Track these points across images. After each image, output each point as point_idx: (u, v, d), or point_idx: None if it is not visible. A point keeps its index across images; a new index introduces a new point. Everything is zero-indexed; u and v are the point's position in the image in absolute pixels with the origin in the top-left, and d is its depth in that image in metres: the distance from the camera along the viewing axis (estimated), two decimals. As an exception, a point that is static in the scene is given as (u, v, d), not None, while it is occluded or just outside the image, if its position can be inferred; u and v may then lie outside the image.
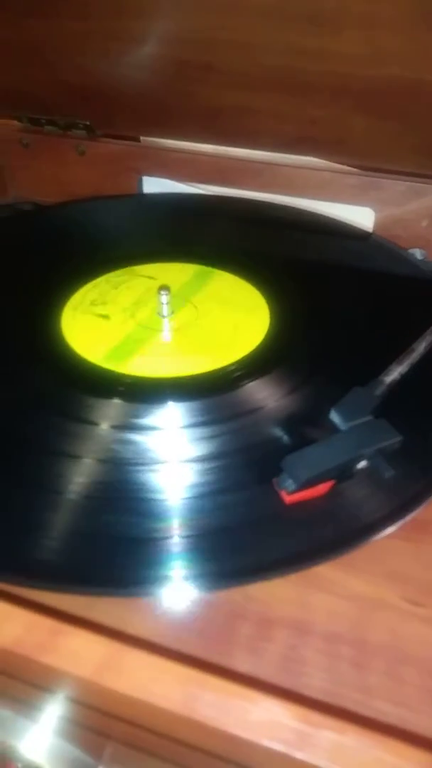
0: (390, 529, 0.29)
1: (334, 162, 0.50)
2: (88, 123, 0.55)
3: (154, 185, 0.57)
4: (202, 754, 0.21)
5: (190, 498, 0.30)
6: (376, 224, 0.51)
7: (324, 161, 0.51)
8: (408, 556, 0.30)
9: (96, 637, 0.20)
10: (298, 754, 0.18)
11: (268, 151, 0.50)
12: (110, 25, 0.42)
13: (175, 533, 0.29)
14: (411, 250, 0.48)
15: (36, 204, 0.56)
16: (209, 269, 0.44)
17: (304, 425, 0.33)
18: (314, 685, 0.26)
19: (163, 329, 0.40)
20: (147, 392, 0.35)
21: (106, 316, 0.41)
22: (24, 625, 0.21)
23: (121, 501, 0.30)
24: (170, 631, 0.27)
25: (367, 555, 0.29)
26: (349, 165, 0.50)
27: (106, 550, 0.28)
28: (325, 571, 0.29)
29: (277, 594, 0.28)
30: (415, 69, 0.37)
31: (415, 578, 0.29)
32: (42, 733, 0.28)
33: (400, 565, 0.30)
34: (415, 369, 0.34)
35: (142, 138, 0.55)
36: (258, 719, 0.19)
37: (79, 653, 0.20)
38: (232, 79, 0.43)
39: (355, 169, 0.50)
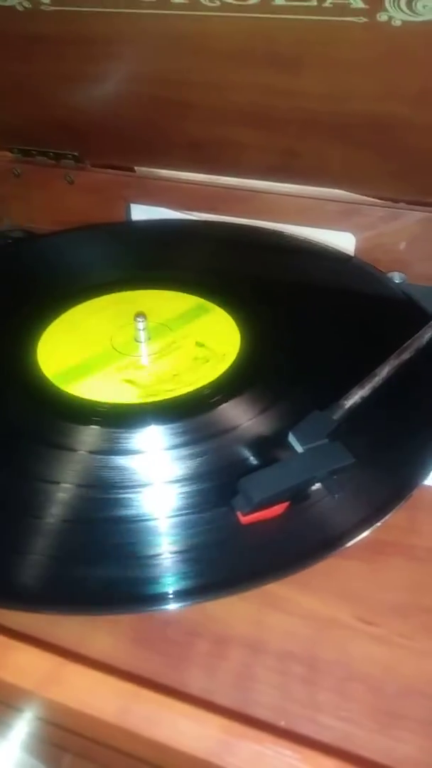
0: (344, 548, 0.30)
1: (315, 188, 0.52)
2: (75, 154, 0.58)
3: (142, 212, 0.60)
4: (145, 765, 0.23)
5: (153, 519, 0.32)
6: (357, 249, 0.53)
7: (306, 188, 0.53)
8: (363, 576, 0.31)
9: (42, 652, 0.22)
10: (217, 761, 0.19)
11: (251, 178, 0.52)
12: (87, 67, 0.45)
13: (137, 553, 0.30)
14: (390, 274, 0.50)
15: (27, 231, 0.58)
16: (204, 304, 0.46)
17: (265, 447, 0.34)
18: (263, 701, 0.27)
19: (130, 355, 0.42)
20: (126, 418, 0.36)
21: (82, 337, 0.43)
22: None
23: (85, 523, 0.32)
24: (130, 648, 0.28)
25: (323, 574, 0.31)
26: (329, 191, 0.52)
27: (69, 570, 0.30)
28: (282, 590, 0.30)
29: (235, 613, 0.30)
30: (379, 103, 0.39)
31: (369, 598, 0.30)
32: (8, 748, 0.30)
33: (355, 584, 0.31)
34: (377, 393, 0.36)
35: (128, 167, 0.58)
36: (184, 729, 0.20)
37: (24, 667, 0.22)
38: (208, 115, 0.45)
39: (336, 195, 0.52)
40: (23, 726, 0.29)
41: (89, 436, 0.35)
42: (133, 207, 0.60)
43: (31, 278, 0.50)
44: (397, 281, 0.49)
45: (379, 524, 0.31)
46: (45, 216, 0.60)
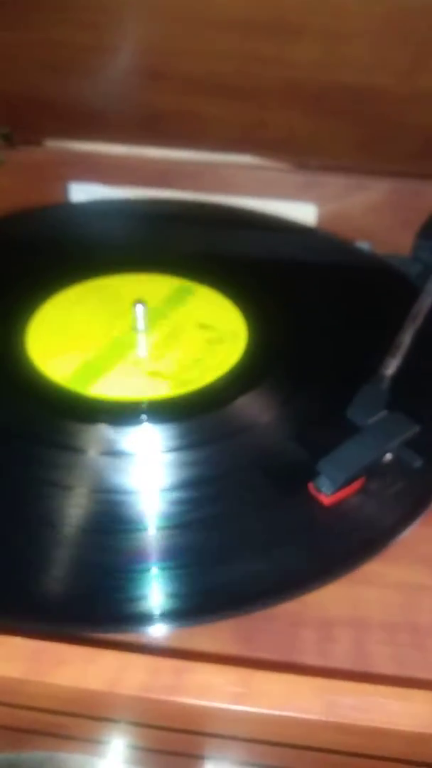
0: (421, 518, 0.32)
1: (276, 160, 0.52)
2: (7, 131, 0.54)
3: (83, 192, 0.57)
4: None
5: (222, 521, 0.31)
6: (320, 220, 0.54)
7: (264, 160, 0.53)
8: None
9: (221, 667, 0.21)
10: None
11: (209, 152, 0.52)
12: (52, 33, 0.42)
13: (223, 557, 0.30)
14: (358, 243, 0.52)
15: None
16: (188, 284, 0.45)
17: (311, 431, 0.35)
18: (386, 673, 0.28)
19: (137, 345, 0.41)
20: (123, 416, 0.35)
21: (74, 332, 0.41)
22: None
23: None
24: (241, 650, 0.28)
25: (400, 543, 0.32)
26: (290, 163, 0.52)
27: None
28: (367, 565, 0.31)
29: (329, 596, 0.30)
30: (369, 75, 0.41)
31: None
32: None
33: (427, 549, 0.33)
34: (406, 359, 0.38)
35: (68, 143, 0.55)
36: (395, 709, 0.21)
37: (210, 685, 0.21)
38: (179, 86, 0.44)
39: (296, 167, 0.53)
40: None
41: (152, 436, 0.34)
42: (74, 187, 0.56)
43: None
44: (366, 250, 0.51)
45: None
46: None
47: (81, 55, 0.43)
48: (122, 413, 0.35)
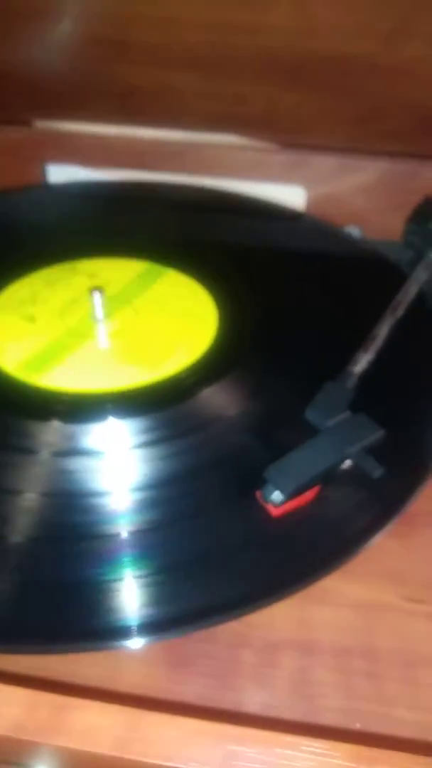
0: (385, 529, 0.29)
1: (260, 140, 0.49)
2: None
3: (61, 174, 0.54)
4: None
5: (158, 528, 0.29)
6: (308, 203, 0.51)
7: (248, 140, 0.50)
8: (400, 553, 0.30)
9: (104, 706, 0.19)
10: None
11: (189, 131, 0.49)
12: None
13: (154, 570, 0.27)
14: (347, 228, 0.49)
15: None
16: (157, 267, 0.42)
17: (276, 429, 0.32)
18: (331, 705, 0.25)
19: (96, 335, 0.38)
20: (87, 410, 0.33)
21: (31, 318, 0.39)
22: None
23: (78, 540, 0.28)
24: (169, 674, 0.26)
25: (360, 557, 0.29)
26: (276, 142, 0.49)
27: (85, 598, 0.26)
28: (321, 581, 0.28)
29: (276, 615, 0.27)
30: (349, 42, 0.37)
31: (412, 575, 0.29)
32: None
33: (393, 563, 0.30)
34: (381, 355, 0.35)
35: (43, 123, 0.52)
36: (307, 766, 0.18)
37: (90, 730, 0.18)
38: (151, 57, 0.41)
39: (281, 147, 0.50)
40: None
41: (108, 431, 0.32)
42: (52, 169, 0.54)
43: None
44: (356, 236, 0.48)
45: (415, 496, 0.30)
46: None
47: (32, 21, 0.41)
48: (70, 407, 0.33)
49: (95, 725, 0.18)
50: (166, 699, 0.24)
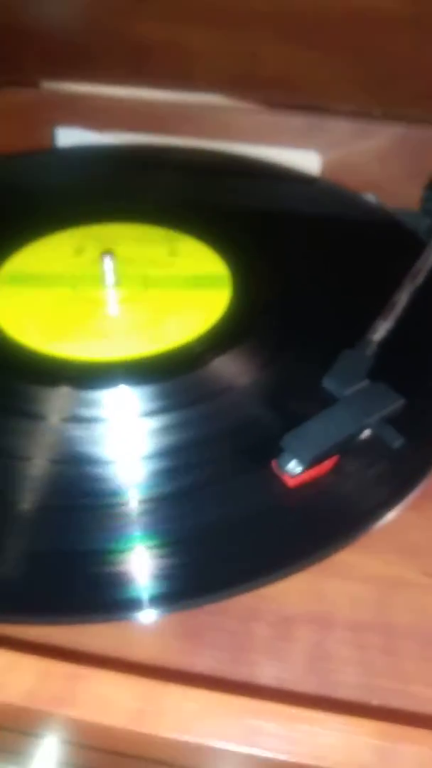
0: (404, 502, 0.28)
1: (274, 102, 0.47)
2: (-12, 69, 0.50)
3: (70, 137, 0.53)
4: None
5: (171, 498, 0.28)
6: (323, 168, 0.49)
7: (260, 103, 0.48)
8: (418, 526, 0.29)
9: (125, 677, 0.18)
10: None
11: (202, 92, 0.47)
12: None
13: (165, 541, 0.27)
14: (364, 195, 0.47)
15: None
16: (172, 234, 0.41)
17: (291, 399, 0.31)
18: (347, 681, 0.25)
19: (107, 302, 0.37)
20: (98, 378, 0.32)
21: (44, 287, 0.38)
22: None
23: (90, 509, 0.27)
24: (183, 646, 0.25)
25: (377, 531, 0.28)
26: (291, 106, 0.47)
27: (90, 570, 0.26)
28: (337, 554, 0.28)
29: (291, 588, 0.27)
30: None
31: (430, 549, 0.29)
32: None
33: (413, 537, 0.29)
34: (401, 323, 0.33)
35: (54, 84, 0.51)
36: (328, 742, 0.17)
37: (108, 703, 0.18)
38: (164, 12, 0.39)
39: (296, 110, 0.48)
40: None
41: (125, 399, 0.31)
42: (61, 132, 0.52)
43: None
44: (374, 202, 0.46)
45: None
46: None
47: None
48: (81, 374, 0.32)
49: (109, 697, 0.18)
50: (182, 670, 0.23)
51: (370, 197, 0.47)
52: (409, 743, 0.17)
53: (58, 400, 0.31)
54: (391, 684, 0.24)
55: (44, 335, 0.34)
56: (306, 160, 0.49)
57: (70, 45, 0.47)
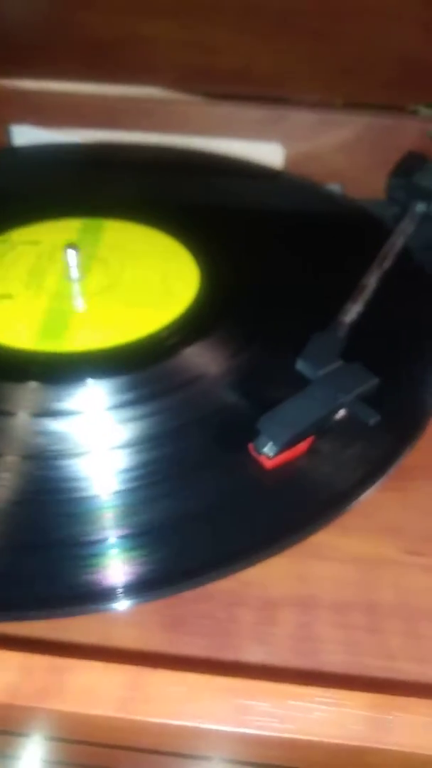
0: (381, 480, 0.28)
1: (234, 95, 0.47)
2: None
3: (25, 136, 0.52)
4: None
5: (146, 485, 0.27)
6: (287, 160, 0.50)
7: (221, 96, 0.48)
8: (397, 505, 0.30)
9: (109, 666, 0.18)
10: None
11: (160, 86, 0.47)
12: None
13: (140, 529, 0.26)
14: (329, 186, 0.47)
15: None
16: (96, 221, 0.40)
17: (266, 384, 0.31)
18: (334, 660, 0.25)
19: (76, 295, 0.37)
20: (67, 371, 0.31)
21: (8, 296, 0.37)
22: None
23: (65, 503, 0.27)
24: (166, 636, 0.25)
25: (354, 511, 0.28)
26: (251, 97, 0.47)
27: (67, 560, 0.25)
28: (316, 536, 0.28)
29: (272, 572, 0.27)
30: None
31: (410, 528, 0.29)
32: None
33: (390, 517, 0.29)
34: (369, 306, 0.34)
35: (7, 81, 0.50)
36: (320, 717, 0.17)
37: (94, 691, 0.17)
38: (117, 4, 0.39)
39: (259, 102, 0.48)
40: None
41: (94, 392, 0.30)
42: (15, 130, 0.52)
43: None
44: (339, 192, 0.47)
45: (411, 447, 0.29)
46: None
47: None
48: (49, 368, 0.31)
49: (95, 687, 0.17)
50: (167, 656, 0.22)
51: (335, 187, 0.48)
52: (400, 712, 0.17)
53: (26, 395, 0.30)
54: (377, 662, 0.25)
55: (11, 332, 0.34)
56: (269, 153, 0.50)
57: (23, 41, 0.46)
